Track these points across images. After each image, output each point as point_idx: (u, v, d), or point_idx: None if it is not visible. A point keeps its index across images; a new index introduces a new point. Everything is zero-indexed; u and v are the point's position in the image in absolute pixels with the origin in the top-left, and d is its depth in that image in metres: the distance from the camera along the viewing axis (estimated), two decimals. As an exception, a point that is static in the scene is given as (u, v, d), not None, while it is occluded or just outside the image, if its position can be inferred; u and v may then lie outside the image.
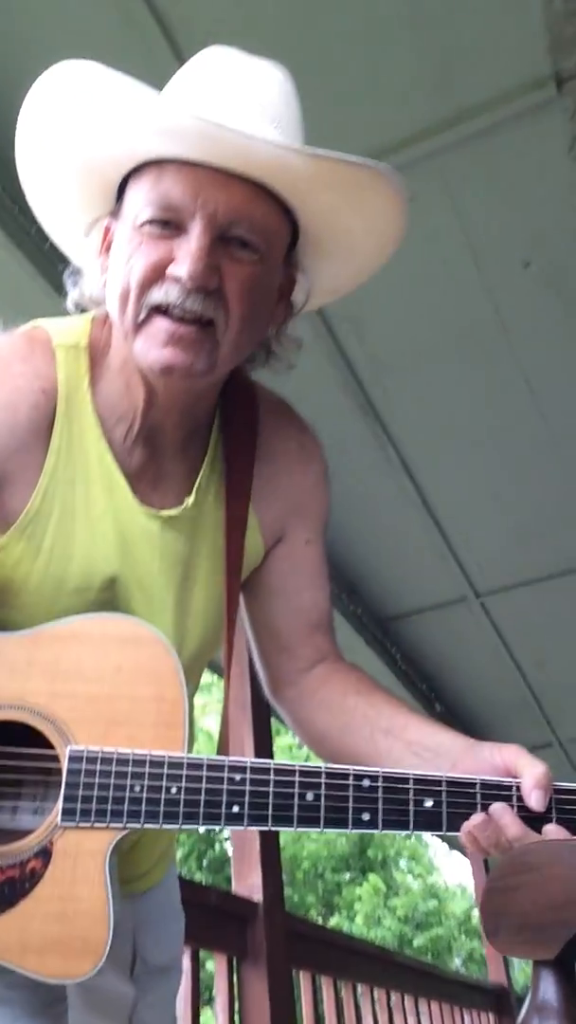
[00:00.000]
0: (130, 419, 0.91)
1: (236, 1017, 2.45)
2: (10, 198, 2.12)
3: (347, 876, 18.15)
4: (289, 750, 18.00)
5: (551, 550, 3.96)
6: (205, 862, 16.61)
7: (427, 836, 16.35)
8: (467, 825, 0.87)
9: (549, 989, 0.87)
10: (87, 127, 0.84)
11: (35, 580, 0.85)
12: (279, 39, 2.01)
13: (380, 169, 0.89)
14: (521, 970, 12.55)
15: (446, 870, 20.86)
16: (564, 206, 2.40)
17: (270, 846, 2.71)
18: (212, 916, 2.42)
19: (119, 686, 0.80)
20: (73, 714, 0.80)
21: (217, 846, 17.08)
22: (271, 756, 2.95)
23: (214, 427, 0.98)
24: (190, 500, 0.93)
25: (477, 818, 0.87)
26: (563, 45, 2.05)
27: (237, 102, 0.85)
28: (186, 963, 2.25)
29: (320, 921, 16.78)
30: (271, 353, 1.05)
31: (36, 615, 0.83)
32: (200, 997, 2.29)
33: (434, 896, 18.24)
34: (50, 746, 0.81)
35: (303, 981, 2.99)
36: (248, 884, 2.59)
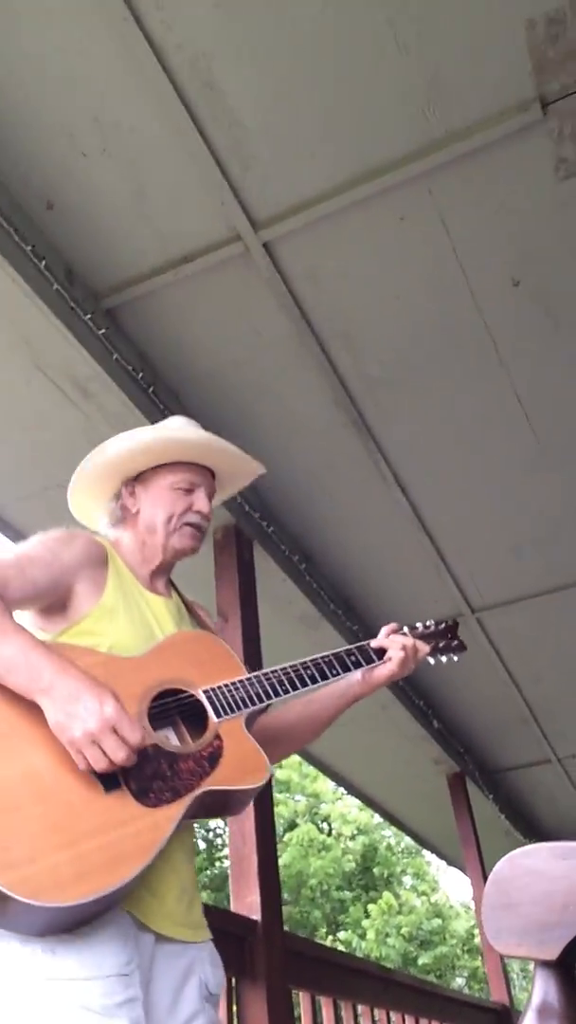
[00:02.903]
0: (140, 565, 1.73)
1: (235, 1037, 2.44)
2: (4, 218, 2.16)
3: (352, 894, 18.01)
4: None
5: (546, 566, 3.98)
6: (206, 880, 16.48)
7: (428, 855, 16.23)
8: (386, 630, 1.75)
9: (551, 991, 0.87)
10: (159, 446, 1.77)
11: (120, 631, 1.56)
12: (268, 62, 2.05)
13: (250, 457, 1.86)
14: (523, 989, 12.42)
15: (448, 889, 20.70)
16: (551, 225, 2.45)
17: (268, 865, 2.71)
18: (212, 934, 2.41)
19: (205, 660, 1.57)
20: (193, 677, 1.52)
21: (217, 864, 16.97)
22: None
23: (174, 593, 1.80)
24: (174, 596, 1.78)
25: (390, 628, 1.76)
26: (546, 68, 2.09)
27: (203, 435, 1.81)
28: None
29: (328, 938, 16.64)
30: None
31: (126, 643, 1.54)
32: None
33: (438, 915, 18.10)
34: (191, 696, 1.50)
35: (303, 1001, 2.97)
36: (247, 903, 2.58)
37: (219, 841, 17.28)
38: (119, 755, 1.28)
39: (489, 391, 2.98)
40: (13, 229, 2.17)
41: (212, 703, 1.49)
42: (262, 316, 2.61)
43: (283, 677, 1.60)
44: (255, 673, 1.58)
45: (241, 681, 1.54)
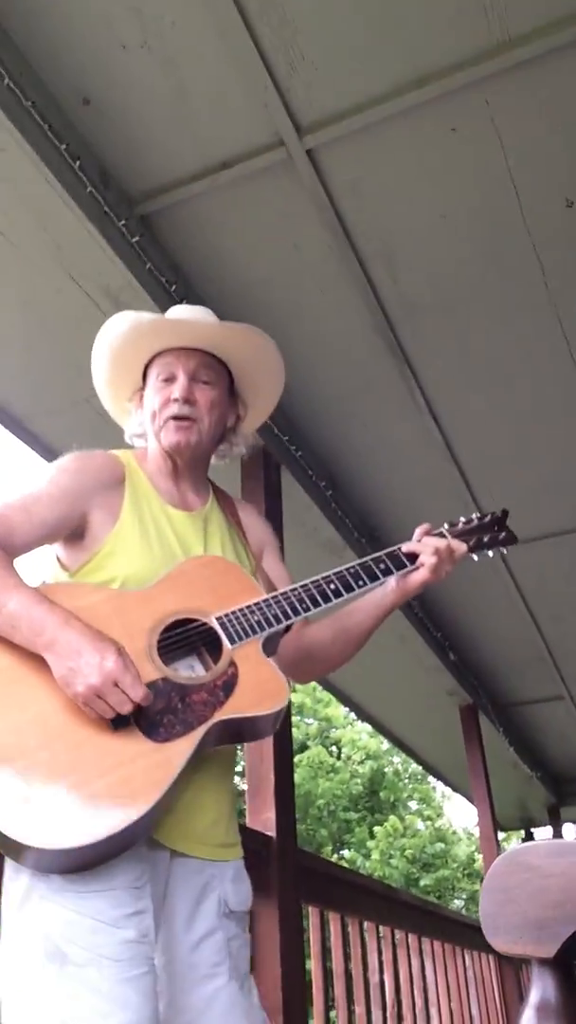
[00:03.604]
0: (164, 475, 1.67)
1: (246, 947, 2.50)
2: (39, 113, 2.07)
3: (358, 815, 18.52)
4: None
5: (574, 505, 3.91)
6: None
7: (434, 781, 16.64)
8: (419, 531, 1.67)
9: (549, 989, 0.87)
10: (129, 347, 1.67)
11: (134, 561, 1.50)
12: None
13: (256, 330, 1.68)
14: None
15: (452, 815, 21.23)
16: (612, 143, 2.31)
17: (285, 784, 2.75)
18: (242, 853, 2.45)
19: (219, 585, 1.50)
20: (206, 605, 1.46)
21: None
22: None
23: (211, 496, 1.73)
24: (205, 507, 1.69)
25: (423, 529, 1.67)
26: (622, -33, 1.94)
27: (188, 315, 1.70)
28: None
29: (333, 856, 17.19)
30: (231, 445, 1.77)
31: (142, 573, 1.48)
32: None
33: (441, 839, 18.62)
34: (203, 625, 1.44)
35: (311, 916, 3.05)
36: (262, 819, 2.63)
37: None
38: (125, 708, 1.27)
39: (534, 323, 2.87)
40: (48, 126, 2.07)
41: (225, 629, 1.43)
42: (302, 230, 2.51)
43: (303, 594, 1.51)
44: (273, 594, 1.50)
45: (257, 604, 1.47)
